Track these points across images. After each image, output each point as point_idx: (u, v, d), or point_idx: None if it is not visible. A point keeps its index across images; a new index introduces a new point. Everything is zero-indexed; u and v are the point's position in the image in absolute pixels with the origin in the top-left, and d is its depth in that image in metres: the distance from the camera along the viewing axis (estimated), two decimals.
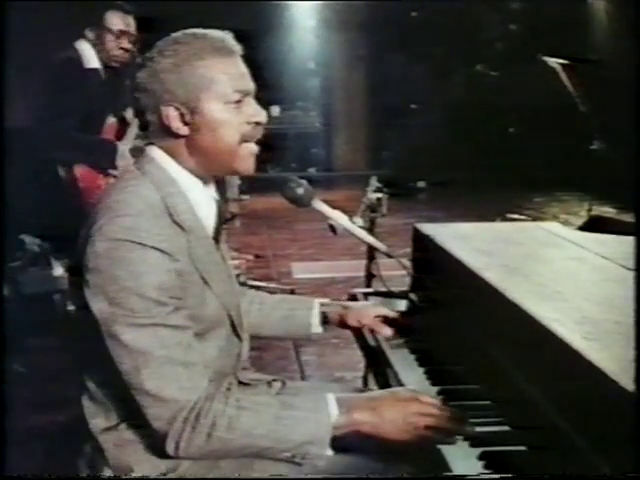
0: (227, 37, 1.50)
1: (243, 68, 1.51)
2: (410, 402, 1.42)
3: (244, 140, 1.50)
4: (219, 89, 1.46)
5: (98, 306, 1.39)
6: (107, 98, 3.52)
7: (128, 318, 1.38)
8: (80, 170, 3.40)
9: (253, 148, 1.53)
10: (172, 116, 1.46)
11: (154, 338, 1.38)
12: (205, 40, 1.48)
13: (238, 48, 1.51)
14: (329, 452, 1.41)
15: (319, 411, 1.42)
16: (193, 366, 1.41)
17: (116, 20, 3.44)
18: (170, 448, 1.39)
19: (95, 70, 3.46)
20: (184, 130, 1.48)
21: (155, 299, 1.38)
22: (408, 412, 1.40)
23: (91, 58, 3.45)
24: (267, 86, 1.55)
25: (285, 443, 1.40)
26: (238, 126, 1.49)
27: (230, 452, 1.43)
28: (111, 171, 3.38)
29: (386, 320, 1.90)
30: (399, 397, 1.45)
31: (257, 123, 1.51)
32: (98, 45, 3.43)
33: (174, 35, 1.50)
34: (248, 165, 1.53)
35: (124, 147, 3.42)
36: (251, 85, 1.52)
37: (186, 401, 1.38)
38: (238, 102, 1.48)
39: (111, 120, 3.53)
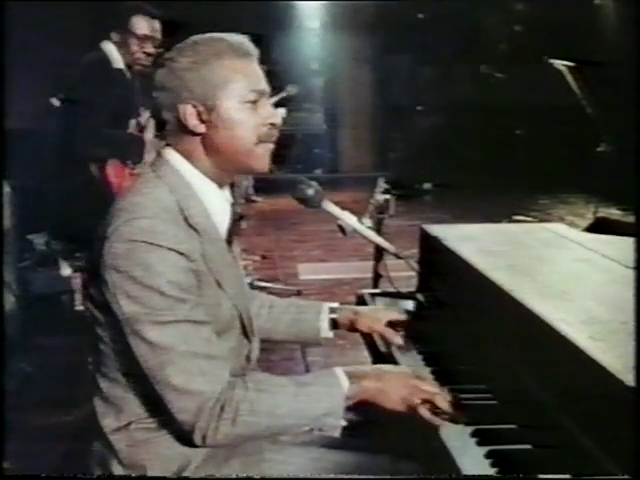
0: (245, 40, 1.54)
1: (259, 70, 1.54)
2: (411, 376, 1.53)
3: (260, 141, 1.53)
4: (236, 88, 1.49)
5: (120, 305, 1.41)
6: (132, 98, 3.55)
7: (151, 316, 1.40)
8: (111, 166, 3.44)
9: (269, 147, 1.55)
10: (189, 113, 1.48)
11: (178, 334, 1.41)
12: (224, 42, 1.51)
13: (255, 51, 1.54)
14: (343, 422, 1.47)
15: (332, 384, 1.48)
16: (215, 358, 1.44)
17: (141, 24, 3.45)
18: (197, 439, 1.42)
19: (121, 70, 3.50)
20: (201, 128, 1.49)
21: (176, 296, 1.41)
22: (409, 384, 1.49)
23: (117, 59, 3.49)
24: (273, 88, 1.56)
25: (305, 418, 1.47)
26: (254, 127, 1.51)
27: (257, 434, 1.47)
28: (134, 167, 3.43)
29: (396, 324, 1.86)
30: (402, 371, 1.57)
31: (272, 125, 1.53)
32: (123, 48, 3.46)
33: (193, 37, 1.53)
34: (263, 164, 1.55)
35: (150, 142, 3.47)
36: (266, 86, 1.55)
37: (211, 392, 1.41)
38: (254, 102, 1.51)
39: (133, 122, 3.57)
